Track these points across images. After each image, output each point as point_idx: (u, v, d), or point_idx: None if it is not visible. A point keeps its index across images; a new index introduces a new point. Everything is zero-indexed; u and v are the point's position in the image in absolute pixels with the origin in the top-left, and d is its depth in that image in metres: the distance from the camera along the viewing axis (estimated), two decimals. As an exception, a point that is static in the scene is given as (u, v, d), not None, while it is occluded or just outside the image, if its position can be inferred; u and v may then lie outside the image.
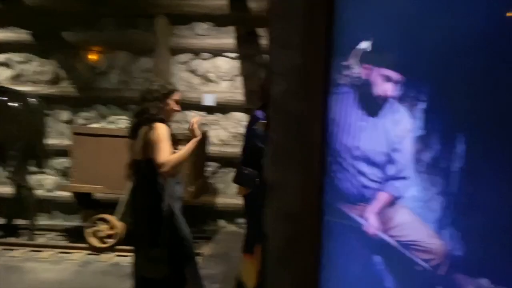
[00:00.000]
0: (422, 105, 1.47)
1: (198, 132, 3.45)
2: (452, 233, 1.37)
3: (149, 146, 3.39)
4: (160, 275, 3.50)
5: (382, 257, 1.58)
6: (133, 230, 4.01)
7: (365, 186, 1.60)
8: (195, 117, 4.02)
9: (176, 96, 3.61)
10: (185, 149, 3.42)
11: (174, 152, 3.45)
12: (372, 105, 1.56)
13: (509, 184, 1.25)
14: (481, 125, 1.31)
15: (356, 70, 1.61)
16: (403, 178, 1.51)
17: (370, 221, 1.57)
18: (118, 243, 6.01)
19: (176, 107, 3.60)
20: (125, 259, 5.57)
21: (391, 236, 1.54)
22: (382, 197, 1.56)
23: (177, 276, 3.56)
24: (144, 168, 3.46)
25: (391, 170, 1.54)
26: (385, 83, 1.52)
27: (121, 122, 7.18)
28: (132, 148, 3.56)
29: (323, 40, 1.61)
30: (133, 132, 3.54)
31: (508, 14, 1.32)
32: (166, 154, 3.31)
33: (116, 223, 5.96)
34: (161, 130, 3.38)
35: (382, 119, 1.55)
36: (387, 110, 1.54)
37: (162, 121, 3.48)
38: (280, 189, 1.75)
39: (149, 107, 3.50)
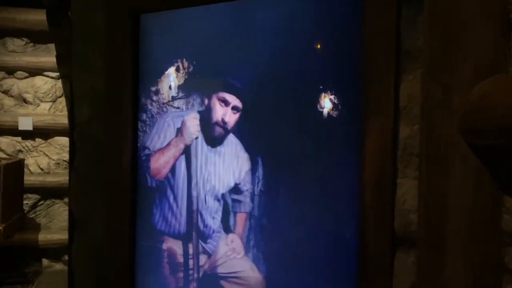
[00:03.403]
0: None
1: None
2: (256, 255, 1.41)
3: None
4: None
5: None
6: None
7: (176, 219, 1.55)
8: None
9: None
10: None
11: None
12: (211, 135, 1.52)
13: (301, 207, 1.33)
14: (275, 150, 1.38)
15: (165, 95, 1.56)
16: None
17: (235, 245, 1.50)
18: None
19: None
20: None
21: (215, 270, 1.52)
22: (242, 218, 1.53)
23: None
24: None
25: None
26: (221, 108, 1.49)
27: None
28: None
29: (128, 63, 1.53)
30: None
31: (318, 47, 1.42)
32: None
33: None
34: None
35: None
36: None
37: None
38: (86, 225, 1.59)
39: None
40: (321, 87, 1.29)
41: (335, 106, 1.28)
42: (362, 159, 1.11)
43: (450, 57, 0.90)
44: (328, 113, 1.29)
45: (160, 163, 1.53)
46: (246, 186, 1.53)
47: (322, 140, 1.31)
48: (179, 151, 1.52)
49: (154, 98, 1.57)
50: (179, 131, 1.53)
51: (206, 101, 1.51)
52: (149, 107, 1.58)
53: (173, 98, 1.55)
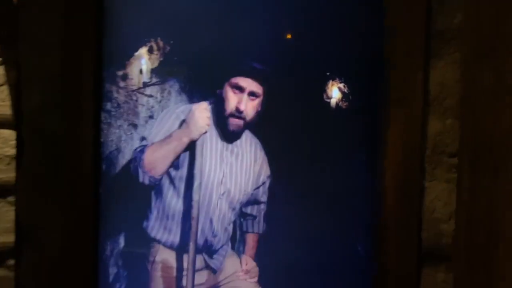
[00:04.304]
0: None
1: None
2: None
3: None
4: None
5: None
6: None
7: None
8: None
9: None
10: None
11: None
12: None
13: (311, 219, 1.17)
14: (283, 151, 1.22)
15: (135, 80, 1.33)
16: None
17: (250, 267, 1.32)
18: None
19: None
20: None
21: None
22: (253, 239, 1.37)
23: None
24: None
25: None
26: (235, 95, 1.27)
27: None
28: None
29: (90, 41, 1.28)
30: None
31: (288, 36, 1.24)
32: None
33: None
34: None
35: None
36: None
37: None
38: (37, 234, 1.34)
39: None
40: (329, 73, 1.11)
41: (347, 96, 1.11)
42: (383, 158, 0.95)
43: (503, 36, 0.74)
44: (340, 105, 1.11)
45: (156, 157, 1.28)
46: (263, 198, 1.37)
47: (333, 137, 1.13)
48: (181, 145, 1.28)
49: (121, 84, 1.34)
50: (184, 123, 1.29)
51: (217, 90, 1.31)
52: (115, 94, 1.34)
53: (145, 85, 1.32)
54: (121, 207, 1.32)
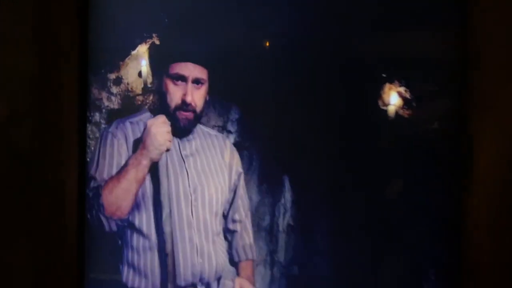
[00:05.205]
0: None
1: None
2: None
3: None
4: None
5: None
6: None
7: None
8: None
9: None
10: None
11: None
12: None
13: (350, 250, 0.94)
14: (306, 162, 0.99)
15: (132, 86, 1.09)
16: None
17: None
18: None
19: None
20: None
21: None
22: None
23: None
24: None
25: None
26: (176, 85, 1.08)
27: None
28: None
29: (73, 36, 1.05)
30: None
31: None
32: None
33: None
34: None
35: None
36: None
37: None
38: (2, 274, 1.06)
39: None
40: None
41: (408, 99, 0.88)
42: (466, 176, 0.72)
43: None
44: (396, 109, 0.89)
45: (117, 195, 1.07)
46: (244, 202, 1.19)
47: (385, 147, 0.92)
48: (142, 171, 1.08)
49: (114, 89, 1.10)
50: (140, 143, 1.09)
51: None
52: (106, 103, 1.11)
53: (146, 90, 1.07)
54: (92, 257, 1.11)
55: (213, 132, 1.20)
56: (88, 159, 1.09)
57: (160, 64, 1.09)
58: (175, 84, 1.09)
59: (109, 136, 1.11)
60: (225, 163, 1.18)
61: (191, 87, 1.10)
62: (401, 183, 0.86)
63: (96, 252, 1.09)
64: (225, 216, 1.19)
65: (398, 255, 0.89)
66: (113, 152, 1.11)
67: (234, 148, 1.19)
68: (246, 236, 1.19)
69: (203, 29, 1.07)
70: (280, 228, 1.03)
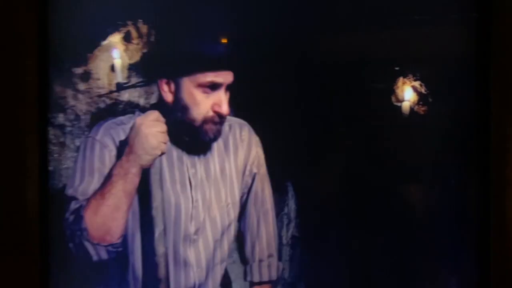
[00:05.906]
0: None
1: None
2: None
3: None
4: None
5: None
6: None
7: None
8: None
9: None
10: None
11: None
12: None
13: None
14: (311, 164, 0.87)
15: (103, 82, 0.93)
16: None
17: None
18: None
19: None
20: None
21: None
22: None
23: None
24: None
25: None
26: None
27: None
28: None
29: (31, 25, 0.87)
30: None
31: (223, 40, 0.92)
32: None
33: None
34: None
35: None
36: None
37: None
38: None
39: None
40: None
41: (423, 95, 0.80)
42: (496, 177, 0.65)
43: None
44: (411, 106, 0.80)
45: (103, 215, 0.86)
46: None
47: (401, 148, 0.82)
48: (132, 182, 0.87)
49: (81, 86, 0.94)
50: (126, 146, 0.88)
51: (164, 89, 0.91)
52: (71, 102, 0.94)
53: (119, 87, 0.92)
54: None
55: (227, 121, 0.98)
56: (50, 168, 0.92)
57: (178, 70, 0.89)
58: (206, 93, 0.90)
59: (97, 145, 0.91)
60: (237, 165, 0.99)
61: (225, 96, 0.91)
62: (420, 187, 0.78)
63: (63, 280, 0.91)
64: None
65: (418, 269, 0.80)
66: (104, 165, 0.90)
67: (254, 135, 0.98)
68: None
69: (204, 27, 0.92)
70: (284, 241, 0.90)
